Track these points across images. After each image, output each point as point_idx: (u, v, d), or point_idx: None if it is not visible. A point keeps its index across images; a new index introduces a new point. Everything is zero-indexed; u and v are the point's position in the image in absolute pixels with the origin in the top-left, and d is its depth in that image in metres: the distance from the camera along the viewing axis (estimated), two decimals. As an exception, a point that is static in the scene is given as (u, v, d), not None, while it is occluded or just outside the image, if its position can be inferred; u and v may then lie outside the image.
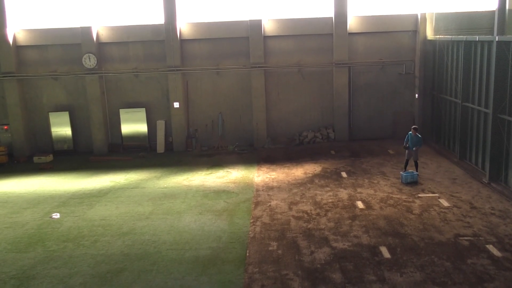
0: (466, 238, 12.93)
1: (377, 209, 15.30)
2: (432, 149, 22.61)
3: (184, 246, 13.29)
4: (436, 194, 16.43)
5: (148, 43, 24.90)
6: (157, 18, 24.47)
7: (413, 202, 15.81)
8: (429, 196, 16.28)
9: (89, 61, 24.65)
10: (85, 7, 24.50)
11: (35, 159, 24.18)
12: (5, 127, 25.62)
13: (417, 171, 18.41)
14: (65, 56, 25.13)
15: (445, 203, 15.57)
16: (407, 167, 18.66)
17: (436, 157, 21.33)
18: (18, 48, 25.05)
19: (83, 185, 19.78)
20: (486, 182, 17.19)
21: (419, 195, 16.45)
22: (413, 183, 17.58)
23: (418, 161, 18.72)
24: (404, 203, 15.76)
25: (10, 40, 24.62)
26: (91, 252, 13.18)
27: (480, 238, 12.89)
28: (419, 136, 18.51)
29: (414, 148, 18.31)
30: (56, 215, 16.11)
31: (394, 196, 16.47)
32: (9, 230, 15.13)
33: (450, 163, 20.23)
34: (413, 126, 18.91)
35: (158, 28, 24.46)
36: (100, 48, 24.93)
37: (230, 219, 15.09)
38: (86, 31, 24.43)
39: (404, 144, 18.58)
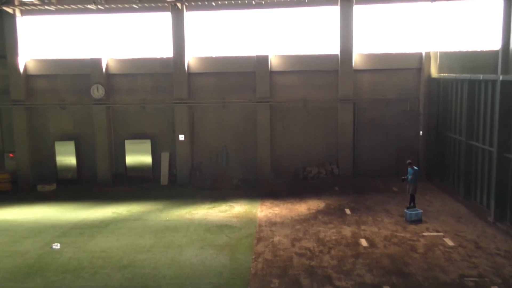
0: (471, 279, 12.72)
1: (381, 247, 15.11)
2: (437, 186, 22.46)
3: (184, 281, 13.13)
4: (441, 233, 16.24)
5: (156, 75, 25.23)
6: (166, 51, 24.88)
7: (418, 240, 15.62)
8: (433, 235, 16.09)
9: (97, 92, 24.95)
10: (96, 39, 25.02)
11: (39, 187, 24.20)
12: (11, 154, 25.76)
13: (410, 205, 18.40)
14: (74, 86, 25.47)
15: (450, 242, 15.37)
16: (414, 203, 18.65)
17: (441, 195, 21.17)
18: (28, 77, 25.44)
19: (85, 215, 19.71)
20: (491, 221, 17.01)
21: (424, 233, 16.27)
22: (417, 221, 17.42)
23: (414, 195, 18.68)
24: (408, 241, 15.57)
25: (21, 69, 25.04)
26: (90, 285, 13.03)
27: (486, 279, 12.68)
28: (415, 168, 18.70)
29: (410, 177, 18.47)
30: (57, 246, 16.00)
31: (398, 234, 16.29)
32: (8, 259, 15.02)
33: (454, 201, 20.06)
34: (408, 161, 19.16)
35: (167, 61, 24.83)
36: (109, 79, 25.28)
37: (232, 255, 14.93)
38: (96, 62, 24.83)
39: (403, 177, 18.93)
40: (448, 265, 13.64)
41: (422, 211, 17.96)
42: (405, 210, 18.04)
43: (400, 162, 23.26)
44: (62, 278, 13.48)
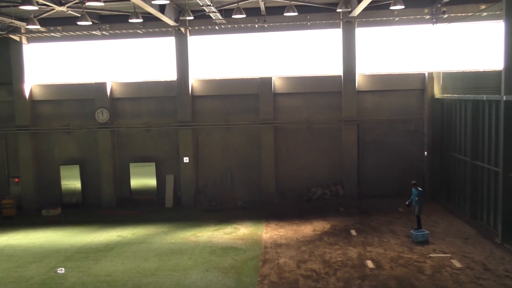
0: (480, 301, 12.54)
1: (388, 269, 14.96)
2: (443, 207, 22.31)
3: (189, 304, 13.01)
4: (448, 254, 16.07)
5: (160, 98, 25.43)
6: (170, 74, 25.12)
7: (425, 262, 15.46)
8: (440, 256, 15.92)
9: (102, 116, 25.14)
10: (100, 64, 25.35)
11: (43, 212, 24.20)
12: (16, 179, 25.84)
13: (418, 226, 18.21)
14: (79, 111, 25.71)
15: (457, 264, 15.20)
16: (420, 224, 18.49)
17: (447, 215, 21.01)
18: (33, 102, 25.72)
19: (90, 239, 19.65)
20: (499, 242, 16.82)
21: (431, 255, 16.11)
22: (424, 242, 17.25)
23: (420, 216, 18.53)
24: (415, 263, 15.41)
25: (27, 94, 25.32)
26: (94, 310, 12.92)
27: (495, 301, 12.50)
28: (420, 189, 18.56)
29: (416, 199, 18.29)
30: (61, 270, 15.94)
31: (404, 255, 16.14)
32: (13, 284, 14.95)
33: (461, 222, 19.89)
34: (412, 182, 18.93)
35: (171, 85, 25.06)
36: (113, 103, 25.49)
37: (237, 277, 14.81)
38: (101, 86, 25.08)
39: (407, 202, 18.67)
40: (456, 287, 13.46)
41: (428, 232, 17.80)
42: (411, 231, 17.90)
43: (405, 183, 23.18)
44: (66, 303, 13.40)
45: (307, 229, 19.75)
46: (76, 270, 15.95)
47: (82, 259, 17.14)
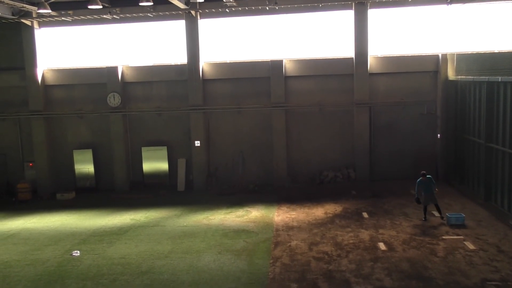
0: (493, 283, 12.50)
1: (400, 251, 14.96)
2: (456, 190, 22.16)
3: (203, 286, 13.15)
4: (461, 236, 16.00)
5: (171, 82, 25.43)
6: (181, 58, 25.07)
7: (437, 244, 15.42)
8: (453, 238, 15.86)
9: (114, 100, 25.23)
10: (112, 48, 25.36)
11: (58, 196, 24.51)
12: (30, 164, 26.14)
13: (440, 213, 18.00)
14: (91, 95, 25.81)
15: (470, 245, 15.14)
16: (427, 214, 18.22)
17: (460, 198, 20.86)
18: (46, 87, 25.86)
19: (104, 222, 19.88)
20: (513, 224, 16.74)
21: (443, 237, 16.05)
22: (459, 226, 16.86)
23: (426, 206, 18.00)
24: (427, 245, 15.38)
25: (39, 79, 25.46)
26: (109, 291, 13.11)
27: (508, 283, 12.46)
28: (429, 177, 17.97)
29: (436, 189, 17.95)
30: (77, 253, 16.17)
31: (417, 237, 16.10)
32: (30, 267, 15.21)
33: (474, 204, 19.74)
34: (422, 172, 18.17)
35: (182, 68, 25.02)
36: (125, 87, 25.55)
37: (250, 259, 14.91)
38: (112, 71, 25.13)
39: (416, 197, 18.09)
40: (470, 269, 13.43)
41: (464, 215, 17.37)
42: (447, 214, 17.51)
43: (418, 166, 23.01)
44: (82, 286, 13.60)
45: (319, 212, 19.78)
46: (91, 253, 16.18)
47: (96, 242, 17.38)
